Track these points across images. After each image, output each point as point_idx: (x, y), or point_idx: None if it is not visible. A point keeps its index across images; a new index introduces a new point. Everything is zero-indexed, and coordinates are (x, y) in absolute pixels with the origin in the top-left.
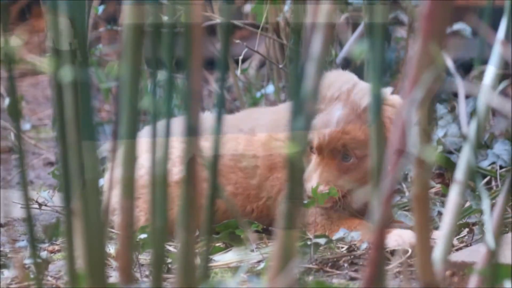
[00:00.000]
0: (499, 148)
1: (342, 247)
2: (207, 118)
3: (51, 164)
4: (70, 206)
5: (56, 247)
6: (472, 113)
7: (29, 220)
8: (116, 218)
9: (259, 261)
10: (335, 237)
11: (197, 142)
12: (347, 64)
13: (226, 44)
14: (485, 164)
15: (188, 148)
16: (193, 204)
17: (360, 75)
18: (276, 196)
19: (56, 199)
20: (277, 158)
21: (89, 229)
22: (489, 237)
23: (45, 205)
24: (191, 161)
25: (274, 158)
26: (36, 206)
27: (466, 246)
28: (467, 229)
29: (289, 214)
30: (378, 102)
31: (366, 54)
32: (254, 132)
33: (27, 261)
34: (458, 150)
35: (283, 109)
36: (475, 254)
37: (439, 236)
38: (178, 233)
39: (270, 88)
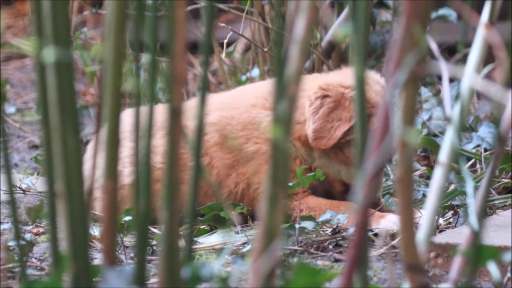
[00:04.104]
0: (484, 131)
1: (327, 230)
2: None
3: (35, 147)
4: (53, 189)
5: (41, 229)
6: (457, 97)
7: (12, 202)
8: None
9: (244, 243)
10: (321, 218)
11: (180, 125)
12: (332, 47)
13: (210, 27)
14: (470, 147)
15: (172, 131)
16: (176, 186)
17: (345, 59)
18: (243, 190)
19: (39, 184)
20: (239, 155)
21: (72, 212)
22: (473, 219)
23: (29, 191)
24: (174, 142)
25: (234, 156)
26: (20, 191)
27: (451, 228)
28: (452, 211)
29: (273, 197)
30: (362, 85)
31: (350, 37)
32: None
33: (11, 243)
34: (443, 133)
35: (229, 101)
36: (459, 236)
37: (423, 218)
38: (161, 215)
39: (255, 72)
